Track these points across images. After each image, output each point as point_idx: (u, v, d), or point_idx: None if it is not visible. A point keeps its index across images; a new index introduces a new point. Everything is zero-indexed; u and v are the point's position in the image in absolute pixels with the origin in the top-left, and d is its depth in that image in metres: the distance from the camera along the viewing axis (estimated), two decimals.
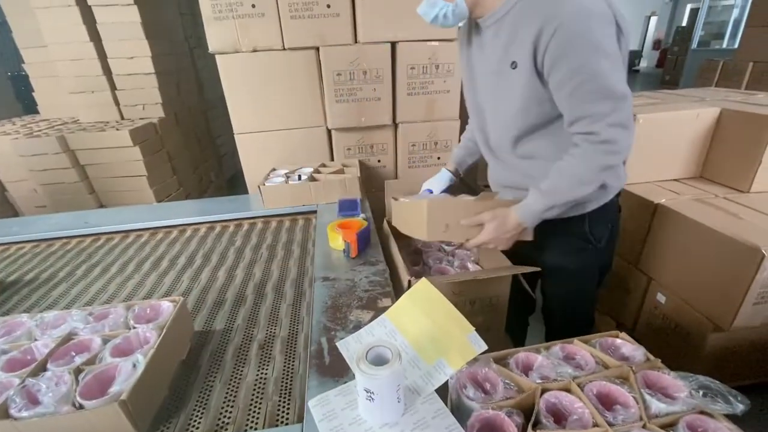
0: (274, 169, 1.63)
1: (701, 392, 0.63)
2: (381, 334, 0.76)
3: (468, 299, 1.06)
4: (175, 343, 0.79)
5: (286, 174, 1.56)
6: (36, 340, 0.75)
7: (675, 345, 1.47)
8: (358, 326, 0.83)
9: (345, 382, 0.69)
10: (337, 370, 0.72)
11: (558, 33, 0.75)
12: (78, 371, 0.66)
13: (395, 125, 1.72)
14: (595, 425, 0.59)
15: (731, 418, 0.61)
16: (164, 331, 0.73)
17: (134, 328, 0.77)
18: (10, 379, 0.65)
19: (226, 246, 1.30)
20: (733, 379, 1.43)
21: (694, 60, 7.05)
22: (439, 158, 1.80)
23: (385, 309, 0.88)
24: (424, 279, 0.79)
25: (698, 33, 8.18)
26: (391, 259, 1.19)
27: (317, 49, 1.53)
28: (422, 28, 1.54)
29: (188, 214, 1.48)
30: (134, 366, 0.66)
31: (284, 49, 1.51)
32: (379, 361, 0.61)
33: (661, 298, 1.51)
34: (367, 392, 0.58)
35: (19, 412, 0.59)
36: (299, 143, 1.71)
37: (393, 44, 1.55)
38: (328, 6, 1.46)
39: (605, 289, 1.83)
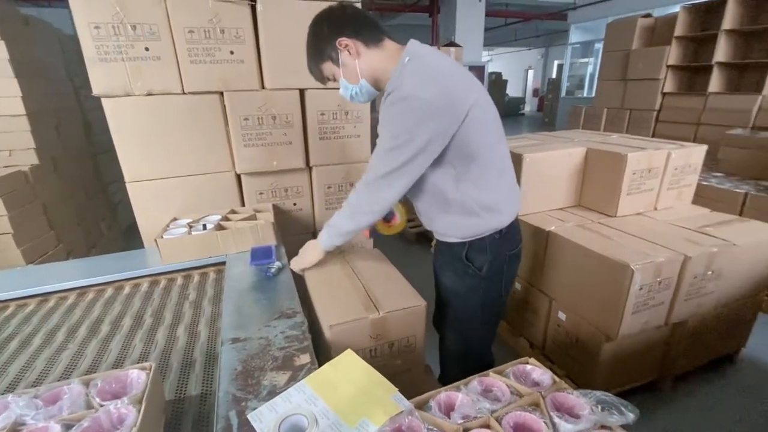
0: (175, 219, 1.49)
1: (600, 407, 0.69)
2: (299, 400, 0.70)
3: (386, 342, 1.06)
4: (155, 419, 0.66)
5: (189, 224, 1.44)
6: None
7: (577, 357, 1.62)
8: (273, 392, 0.75)
9: None
10: None
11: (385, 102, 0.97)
12: None
13: (309, 168, 1.71)
14: None
15: (625, 426, 0.67)
16: (143, 405, 0.61)
17: (102, 405, 0.62)
18: None
19: (121, 311, 1.12)
20: (624, 383, 1.61)
21: (564, 106, 8.43)
22: None
23: (302, 367, 0.83)
24: (349, 350, 0.80)
25: (565, 84, 9.86)
26: (311, 308, 1.14)
27: (221, 93, 1.48)
28: None
29: (70, 276, 1.25)
30: None
31: (184, 93, 1.43)
32: (294, 429, 0.55)
33: (562, 315, 1.67)
34: None
35: None
36: (203, 190, 1.60)
37: (302, 91, 1.58)
38: (232, 53, 1.43)
39: (515, 309, 1.97)
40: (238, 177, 1.63)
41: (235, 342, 0.91)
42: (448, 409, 0.73)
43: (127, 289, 1.25)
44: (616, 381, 1.58)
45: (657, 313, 1.49)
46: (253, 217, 1.51)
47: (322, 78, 1.07)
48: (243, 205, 1.68)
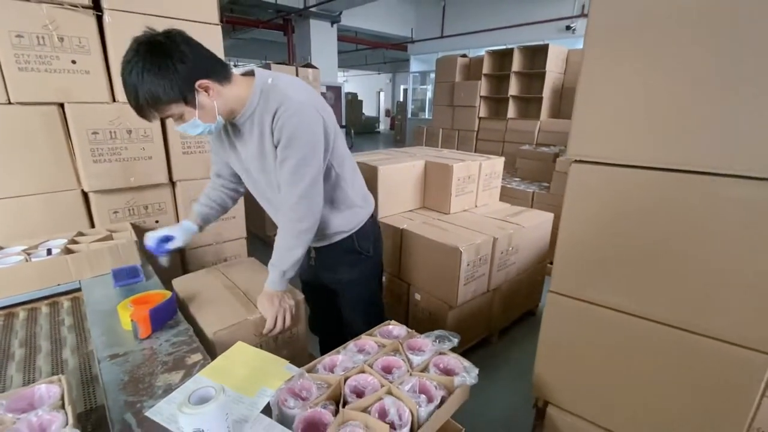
0: (1, 248, 1.27)
1: (437, 340, 0.97)
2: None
3: (271, 336, 1.17)
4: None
5: (24, 251, 1.25)
6: None
7: (431, 327, 1.99)
8: (168, 390, 0.80)
9: None
10: None
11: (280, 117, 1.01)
12: None
13: (172, 183, 1.67)
14: (382, 386, 0.82)
15: (453, 349, 0.96)
16: (70, 408, 0.60)
17: (18, 419, 0.59)
18: None
19: None
20: (467, 342, 2.06)
21: (410, 125, 9.63)
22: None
23: (195, 364, 0.88)
24: (239, 342, 0.89)
25: (410, 106, 11.25)
26: (193, 322, 1.15)
27: (61, 105, 1.35)
28: None
29: None
30: None
31: (10, 103, 1.26)
32: (203, 401, 0.65)
33: (417, 296, 2.03)
34: None
35: None
36: (38, 212, 1.40)
37: None
38: (74, 62, 1.33)
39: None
40: (85, 196, 1.48)
41: (114, 358, 0.89)
42: (331, 368, 0.90)
43: None
44: (462, 342, 2.00)
45: (481, 283, 1.98)
46: (108, 238, 1.40)
47: (152, 116, 0.97)
48: (92, 226, 1.53)
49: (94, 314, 1.07)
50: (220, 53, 1.65)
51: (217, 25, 1.54)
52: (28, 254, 1.23)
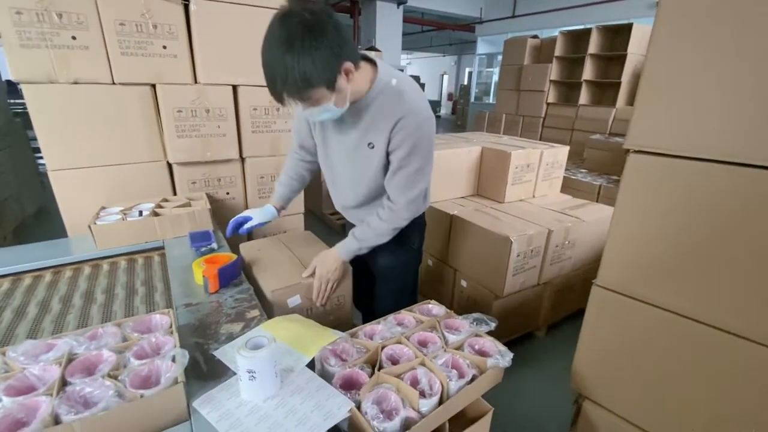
0: (104, 208, 1.51)
1: (475, 323, 0.99)
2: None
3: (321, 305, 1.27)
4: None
5: (122, 211, 1.47)
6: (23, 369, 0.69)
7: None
8: (230, 337, 0.92)
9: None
10: (217, 374, 0.81)
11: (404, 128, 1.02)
12: (112, 377, 0.68)
13: (242, 159, 1.83)
14: (417, 357, 0.87)
15: (489, 332, 0.98)
16: (177, 335, 0.79)
17: (142, 338, 0.79)
18: (34, 400, 0.64)
19: (66, 293, 1.14)
20: (512, 333, 2.03)
21: (473, 110, 9.31)
22: None
23: (254, 319, 1.00)
24: (296, 314, 1.00)
25: (474, 90, 10.85)
26: (255, 282, 1.29)
27: (153, 86, 1.54)
28: (260, 75, 1.73)
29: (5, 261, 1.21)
30: (173, 360, 0.72)
31: (114, 83, 1.47)
32: (257, 347, 0.74)
33: (464, 283, 2.04)
34: (249, 372, 0.71)
35: (75, 416, 0.61)
36: (132, 179, 1.63)
37: (234, 87, 1.69)
38: (164, 47, 1.50)
39: (428, 282, 2.31)
40: (170, 167, 1.69)
41: (188, 306, 1.04)
42: (371, 336, 0.97)
43: (69, 273, 1.27)
44: (505, 332, 1.99)
45: (531, 275, 1.93)
46: (187, 205, 1.59)
47: (291, 100, 0.91)
48: (175, 194, 1.74)
49: (174, 269, 1.24)
50: None
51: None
52: (125, 214, 1.45)
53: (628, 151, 0.83)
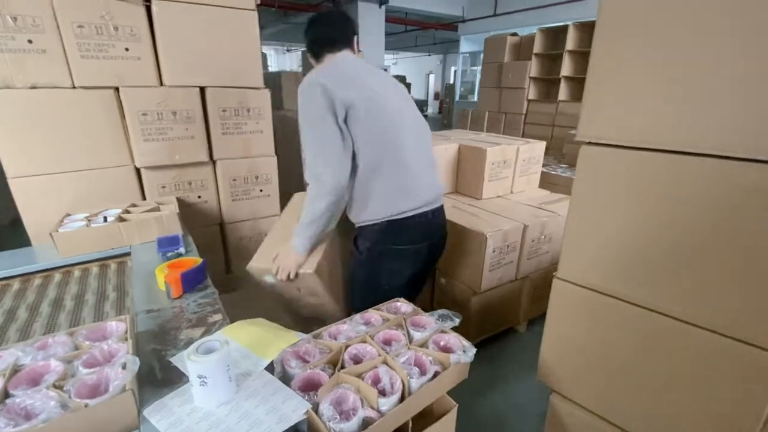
0: (68, 215, 1.47)
1: (440, 319, 0.99)
2: None
3: (295, 286, 1.33)
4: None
5: (86, 218, 1.44)
6: None
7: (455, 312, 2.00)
8: (190, 342, 0.90)
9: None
10: (172, 381, 0.79)
11: None
12: (57, 387, 0.66)
13: (213, 161, 1.80)
14: (379, 356, 0.86)
15: (454, 328, 0.97)
16: (131, 341, 0.77)
17: (93, 346, 0.77)
18: None
19: (11, 307, 1.12)
20: (492, 329, 2.04)
21: (457, 108, 9.35)
22: (261, 190, 1.96)
23: (215, 323, 0.98)
24: (259, 318, 0.98)
25: (458, 89, 10.90)
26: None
27: (116, 89, 1.50)
28: (229, 76, 1.71)
29: None
30: (123, 368, 0.69)
31: (74, 87, 1.43)
32: (209, 351, 0.73)
33: (443, 280, 2.04)
34: (201, 378, 0.69)
35: (14, 429, 0.59)
36: (98, 185, 1.58)
37: (202, 88, 1.67)
38: (127, 49, 1.47)
39: None
40: (138, 171, 1.65)
41: (149, 312, 1.02)
42: (335, 336, 0.96)
43: (38, 281, 1.24)
44: (486, 328, 1.99)
45: (508, 270, 1.93)
46: (156, 209, 1.56)
47: None
48: (144, 199, 1.71)
49: (138, 275, 1.21)
50: (257, 37, 1.74)
51: (253, 10, 1.62)
52: (89, 221, 1.42)
53: (583, 143, 0.83)
